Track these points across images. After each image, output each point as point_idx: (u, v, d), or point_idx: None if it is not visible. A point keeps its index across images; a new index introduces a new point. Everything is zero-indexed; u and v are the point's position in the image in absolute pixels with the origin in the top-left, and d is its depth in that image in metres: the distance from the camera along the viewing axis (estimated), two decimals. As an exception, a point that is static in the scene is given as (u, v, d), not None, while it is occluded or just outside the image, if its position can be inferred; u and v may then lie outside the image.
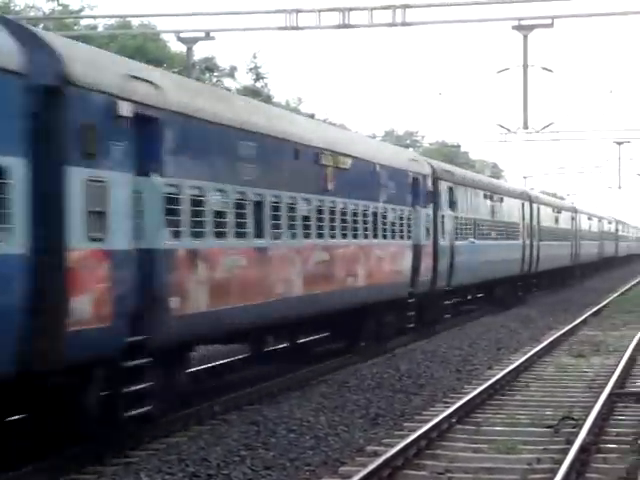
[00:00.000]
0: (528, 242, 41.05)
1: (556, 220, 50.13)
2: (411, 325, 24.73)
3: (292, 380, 18.40)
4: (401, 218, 23.72)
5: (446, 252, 27.72)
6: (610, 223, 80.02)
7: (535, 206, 42.90)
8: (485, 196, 34.14)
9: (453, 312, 30.05)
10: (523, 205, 40.88)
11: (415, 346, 24.50)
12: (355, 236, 20.66)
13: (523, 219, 40.63)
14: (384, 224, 22.41)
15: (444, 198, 27.89)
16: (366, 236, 21.27)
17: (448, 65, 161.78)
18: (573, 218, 56.31)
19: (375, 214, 21.86)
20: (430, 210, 26.22)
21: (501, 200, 36.40)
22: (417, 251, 24.82)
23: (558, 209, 51.62)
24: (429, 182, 26.23)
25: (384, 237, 22.45)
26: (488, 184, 37.04)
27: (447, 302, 28.90)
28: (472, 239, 31.05)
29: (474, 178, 34.99)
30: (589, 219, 65.18)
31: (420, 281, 25.01)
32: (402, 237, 23.81)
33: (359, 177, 21.07)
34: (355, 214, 20.63)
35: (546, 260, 44.78)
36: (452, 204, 28.72)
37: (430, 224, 26.11)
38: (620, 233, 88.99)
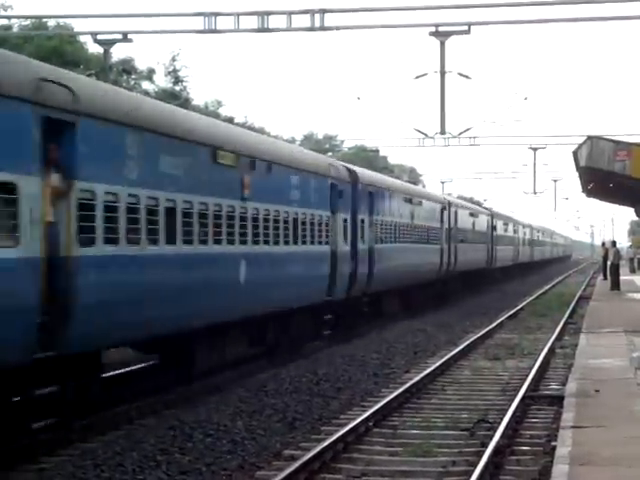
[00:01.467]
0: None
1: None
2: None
3: (210, 384, 18.32)
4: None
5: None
6: (475, 216, 51.87)
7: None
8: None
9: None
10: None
11: (333, 350, 24.56)
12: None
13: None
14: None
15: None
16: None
17: (367, 70, 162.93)
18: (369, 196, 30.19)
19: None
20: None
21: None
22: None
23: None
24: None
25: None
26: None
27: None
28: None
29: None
30: (417, 204, 36.88)
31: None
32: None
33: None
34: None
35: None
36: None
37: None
38: (499, 233, 60.80)
